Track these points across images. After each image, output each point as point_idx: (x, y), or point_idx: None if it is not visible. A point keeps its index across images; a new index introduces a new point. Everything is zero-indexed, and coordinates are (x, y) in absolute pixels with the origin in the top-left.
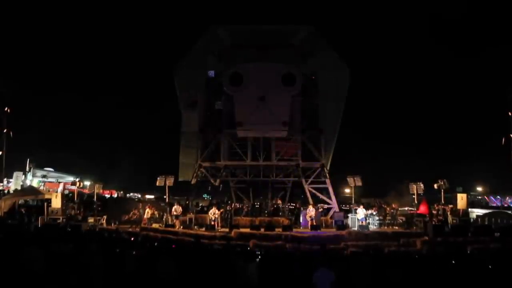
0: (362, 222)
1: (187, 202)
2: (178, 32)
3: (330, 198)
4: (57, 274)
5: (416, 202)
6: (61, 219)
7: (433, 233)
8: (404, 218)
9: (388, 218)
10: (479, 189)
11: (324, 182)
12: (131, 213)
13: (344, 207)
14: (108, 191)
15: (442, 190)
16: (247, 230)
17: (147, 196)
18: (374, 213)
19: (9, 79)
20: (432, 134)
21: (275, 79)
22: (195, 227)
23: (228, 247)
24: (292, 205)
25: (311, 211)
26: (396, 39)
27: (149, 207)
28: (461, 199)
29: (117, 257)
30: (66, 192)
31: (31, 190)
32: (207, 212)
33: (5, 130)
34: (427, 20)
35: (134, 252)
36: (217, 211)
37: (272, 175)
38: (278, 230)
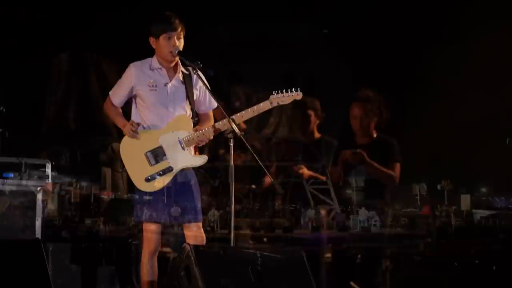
0: (364, 223)
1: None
2: None
3: (331, 199)
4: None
5: (419, 203)
6: (57, 220)
7: (436, 234)
8: (406, 220)
9: (390, 219)
10: (484, 190)
11: (326, 183)
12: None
13: (346, 208)
14: (105, 192)
15: (446, 191)
16: (247, 231)
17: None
18: (376, 214)
19: (4, 78)
20: (433, 134)
21: (275, 78)
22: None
23: (227, 249)
24: (293, 206)
25: (308, 214)
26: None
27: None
28: (465, 200)
29: (115, 259)
30: (63, 193)
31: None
32: (206, 214)
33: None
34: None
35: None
36: (216, 213)
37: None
38: (278, 232)
